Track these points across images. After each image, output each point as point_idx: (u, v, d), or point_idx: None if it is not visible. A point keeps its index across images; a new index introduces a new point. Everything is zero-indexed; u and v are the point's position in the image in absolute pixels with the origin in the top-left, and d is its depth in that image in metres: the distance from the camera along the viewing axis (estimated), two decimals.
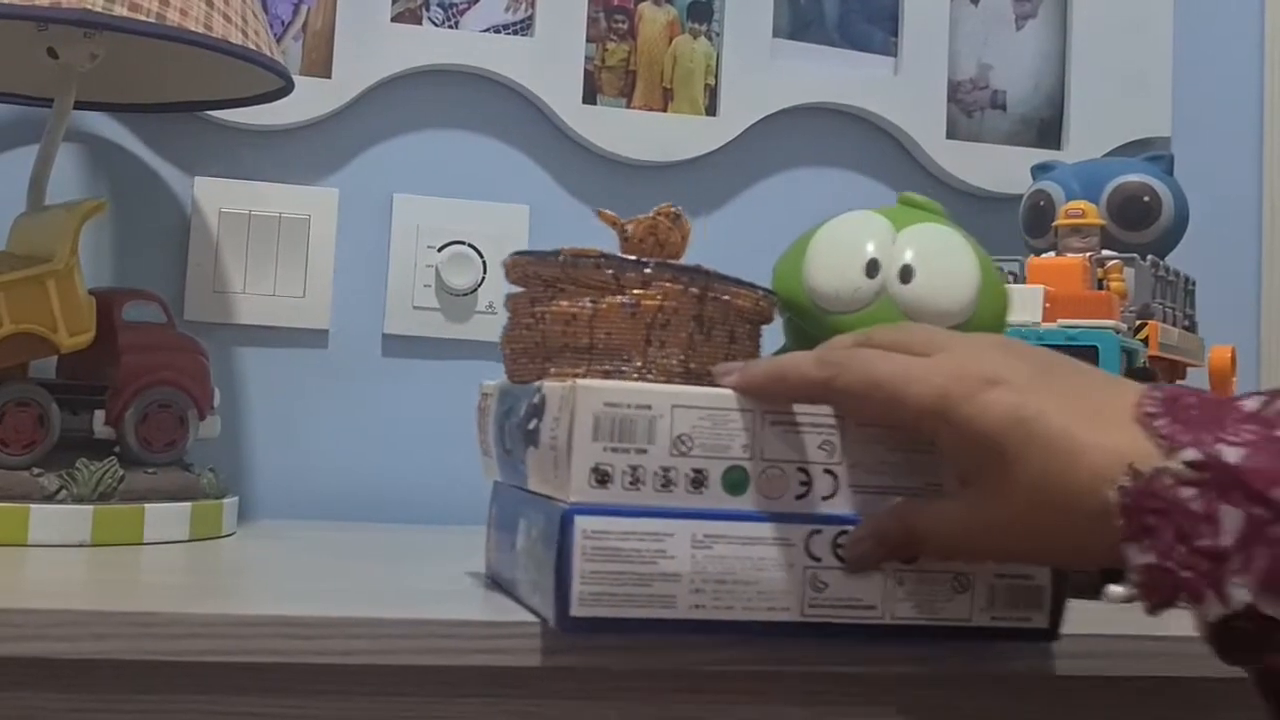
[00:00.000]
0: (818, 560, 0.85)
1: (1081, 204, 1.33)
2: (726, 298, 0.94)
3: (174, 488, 1.20)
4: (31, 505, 1.11)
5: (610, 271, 0.92)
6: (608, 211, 1.01)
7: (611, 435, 0.84)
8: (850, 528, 0.85)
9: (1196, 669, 0.90)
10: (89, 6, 1.10)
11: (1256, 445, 0.69)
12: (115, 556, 1.08)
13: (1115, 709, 0.93)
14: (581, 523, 0.82)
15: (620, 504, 0.83)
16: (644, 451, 0.84)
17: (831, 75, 1.65)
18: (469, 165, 1.58)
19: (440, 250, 1.54)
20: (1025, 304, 1.16)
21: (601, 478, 0.83)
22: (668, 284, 0.92)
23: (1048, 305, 1.17)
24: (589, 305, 0.92)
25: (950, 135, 1.68)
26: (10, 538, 1.10)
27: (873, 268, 1.00)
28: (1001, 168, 1.68)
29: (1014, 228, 1.53)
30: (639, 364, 0.92)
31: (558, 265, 0.93)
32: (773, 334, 1.01)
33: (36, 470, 1.14)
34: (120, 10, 1.11)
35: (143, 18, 1.12)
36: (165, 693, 0.82)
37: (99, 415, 1.21)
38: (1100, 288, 1.26)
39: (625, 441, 0.84)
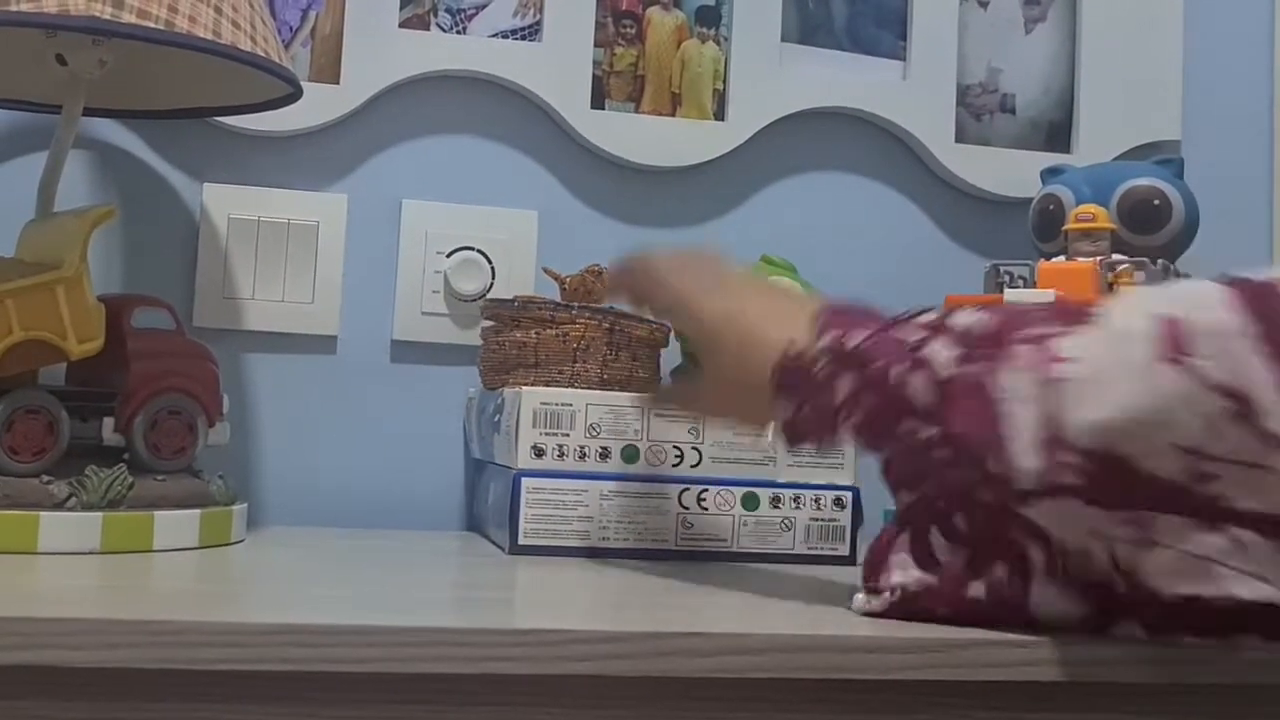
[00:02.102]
0: (686, 508, 1.28)
1: (1092, 208, 1.33)
2: (628, 329, 1.35)
3: (183, 495, 1.20)
4: (41, 513, 1.11)
5: (548, 312, 1.34)
6: (551, 269, 1.44)
7: (545, 424, 1.27)
8: (709, 488, 1.28)
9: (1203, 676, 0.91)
10: (97, 14, 1.10)
11: (869, 338, 0.94)
12: (125, 564, 1.08)
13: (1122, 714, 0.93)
14: (526, 482, 1.26)
15: (551, 469, 1.27)
16: (567, 435, 1.27)
17: (840, 79, 1.65)
18: (478, 171, 1.57)
19: (449, 256, 1.54)
20: None
21: (538, 452, 1.26)
22: (587, 321, 1.34)
23: None
24: (534, 335, 1.34)
25: (959, 139, 1.68)
26: (20, 545, 1.10)
27: None
28: (1011, 171, 1.67)
29: (1024, 231, 1.52)
30: (568, 375, 1.34)
31: (514, 308, 1.36)
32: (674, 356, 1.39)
33: (46, 478, 1.14)
34: (128, 17, 1.11)
35: (151, 25, 1.12)
36: (176, 701, 0.82)
37: (108, 422, 1.20)
38: (1111, 292, 1.25)
39: (554, 428, 1.27)
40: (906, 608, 0.92)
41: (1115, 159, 1.68)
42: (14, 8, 1.09)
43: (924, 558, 0.92)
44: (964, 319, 0.93)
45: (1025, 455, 0.86)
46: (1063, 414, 0.84)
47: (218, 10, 1.17)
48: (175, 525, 1.18)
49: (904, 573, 0.92)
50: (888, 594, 0.92)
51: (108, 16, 1.10)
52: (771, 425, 1.03)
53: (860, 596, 0.94)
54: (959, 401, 0.89)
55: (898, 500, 0.94)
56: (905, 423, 0.91)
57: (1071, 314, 0.89)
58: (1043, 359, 0.87)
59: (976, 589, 0.90)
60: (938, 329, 0.93)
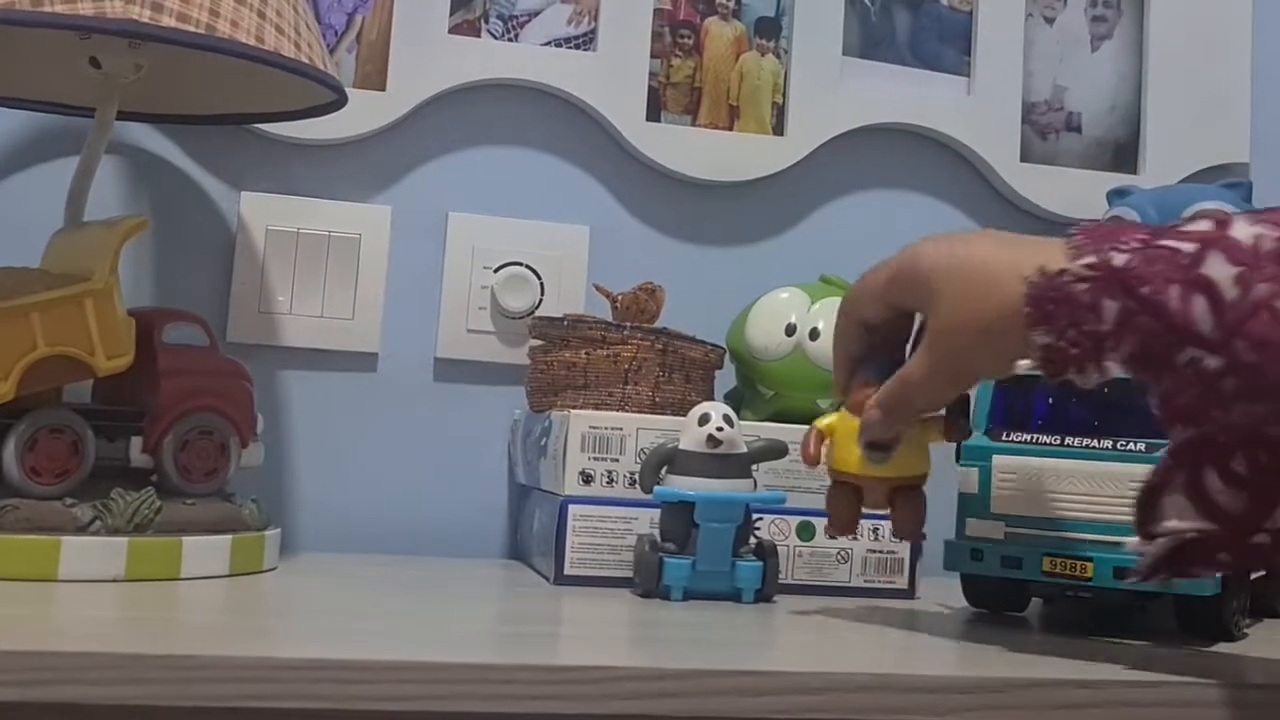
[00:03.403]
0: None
1: None
2: (682, 350, 1.35)
3: (214, 519, 1.18)
4: (63, 537, 1.09)
5: (599, 332, 1.34)
6: (602, 285, 1.42)
7: (594, 448, 1.25)
8: (763, 517, 1.25)
9: None
10: (135, 17, 1.08)
11: (1137, 253, 0.87)
12: (151, 593, 1.07)
13: None
14: (573, 510, 1.24)
15: (600, 496, 1.25)
16: (616, 460, 1.25)
17: (903, 95, 1.64)
18: (527, 183, 1.56)
19: (496, 271, 1.52)
20: None
21: (586, 478, 1.25)
22: (639, 341, 1.33)
23: None
24: (584, 356, 1.33)
25: (1024, 158, 1.66)
26: (40, 572, 1.08)
27: (790, 329, 1.38)
28: (1077, 191, 1.65)
29: None
30: (619, 397, 1.32)
31: (563, 327, 1.36)
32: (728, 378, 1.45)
33: (69, 500, 1.12)
34: (168, 21, 1.09)
35: (191, 29, 1.10)
36: None
37: (136, 442, 1.19)
38: None
39: (603, 453, 1.25)
40: (1183, 555, 0.89)
41: (1182, 180, 1.66)
42: (48, 9, 1.07)
43: (1201, 501, 0.88)
44: (1244, 231, 0.86)
45: None
46: None
47: (260, 14, 1.15)
48: (204, 552, 1.16)
49: (1179, 518, 0.88)
50: (1162, 540, 0.89)
51: (146, 19, 1.08)
52: (1023, 361, 0.94)
53: (1133, 540, 0.91)
54: (1250, 325, 0.83)
55: (1171, 435, 0.88)
56: (1185, 351, 0.85)
57: None
58: None
59: (1261, 536, 0.87)
60: (1213, 243, 0.86)
